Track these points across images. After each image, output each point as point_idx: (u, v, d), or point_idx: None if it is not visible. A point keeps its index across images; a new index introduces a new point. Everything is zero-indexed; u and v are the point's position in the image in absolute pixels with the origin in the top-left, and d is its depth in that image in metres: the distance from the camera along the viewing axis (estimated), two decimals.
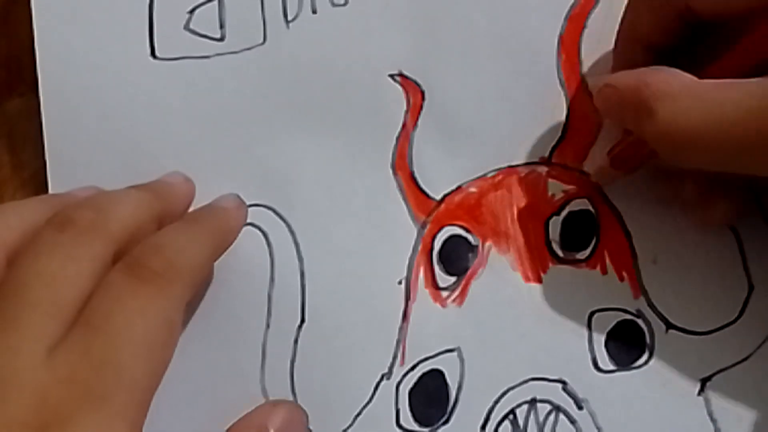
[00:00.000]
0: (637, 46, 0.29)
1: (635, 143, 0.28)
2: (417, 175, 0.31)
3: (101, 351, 0.23)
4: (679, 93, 0.25)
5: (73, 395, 0.23)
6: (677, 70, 0.26)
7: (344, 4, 0.32)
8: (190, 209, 0.31)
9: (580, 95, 0.31)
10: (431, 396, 0.30)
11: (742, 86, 0.24)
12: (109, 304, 0.24)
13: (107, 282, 0.25)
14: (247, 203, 0.31)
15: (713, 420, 0.30)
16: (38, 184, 0.32)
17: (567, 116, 0.31)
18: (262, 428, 0.28)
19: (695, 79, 0.26)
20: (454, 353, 0.30)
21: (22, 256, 0.25)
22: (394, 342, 0.31)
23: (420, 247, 0.31)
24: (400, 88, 0.31)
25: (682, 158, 0.26)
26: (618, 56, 0.30)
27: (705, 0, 0.26)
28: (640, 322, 0.30)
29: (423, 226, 0.31)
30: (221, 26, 0.32)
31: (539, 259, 0.31)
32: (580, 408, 0.30)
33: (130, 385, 0.23)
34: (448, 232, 0.31)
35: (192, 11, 0.32)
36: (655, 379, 0.30)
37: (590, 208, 0.31)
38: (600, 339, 0.30)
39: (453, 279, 0.31)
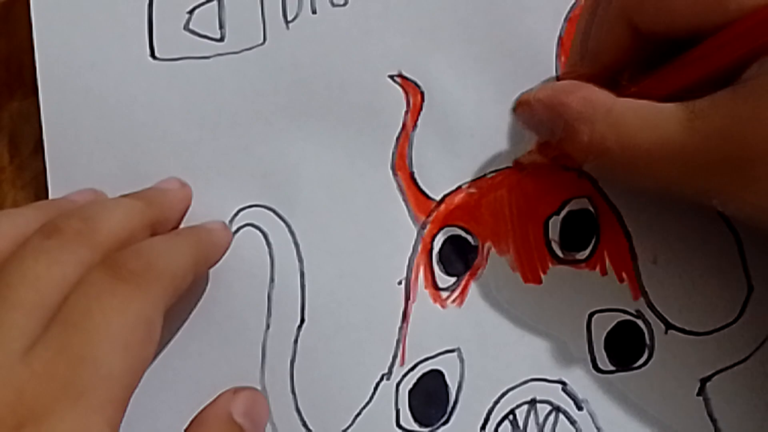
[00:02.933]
0: (592, 60, 0.29)
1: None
2: (417, 175, 0.31)
3: (79, 347, 0.23)
4: (596, 116, 0.25)
5: (50, 391, 0.23)
6: (596, 89, 0.26)
7: (344, 4, 0.32)
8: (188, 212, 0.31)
9: None
10: (431, 396, 0.30)
11: (661, 112, 0.24)
12: (87, 302, 0.24)
13: (86, 281, 0.25)
14: (247, 203, 0.31)
15: (713, 420, 0.30)
16: (38, 186, 0.32)
17: None
18: (227, 416, 0.28)
19: (614, 98, 0.26)
20: (454, 353, 0.30)
21: (9, 260, 0.25)
22: (394, 342, 0.31)
23: (420, 248, 0.31)
24: (400, 88, 0.31)
25: (603, 176, 0.26)
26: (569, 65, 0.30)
27: (650, 21, 0.26)
28: (639, 322, 0.30)
29: (423, 226, 0.31)
30: (221, 26, 0.32)
31: (539, 260, 0.31)
32: (579, 408, 0.30)
33: (108, 381, 0.23)
34: (448, 232, 0.31)
35: (191, 11, 0.32)
36: (655, 379, 0.30)
37: (590, 207, 0.31)
38: (600, 339, 0.30)
39: (453, 279, 0.31)
